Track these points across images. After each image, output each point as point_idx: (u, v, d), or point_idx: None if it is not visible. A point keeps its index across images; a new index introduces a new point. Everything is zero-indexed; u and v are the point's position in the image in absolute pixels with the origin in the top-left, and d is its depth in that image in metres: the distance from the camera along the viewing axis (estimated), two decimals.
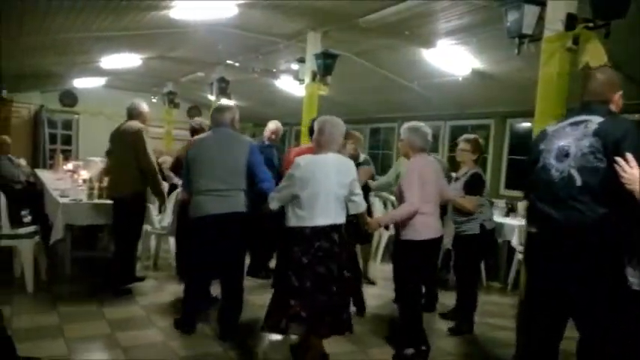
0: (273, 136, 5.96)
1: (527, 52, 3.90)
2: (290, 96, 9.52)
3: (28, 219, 5.84)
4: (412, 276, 3.83)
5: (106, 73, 10.79)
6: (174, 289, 5.03)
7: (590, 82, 2.68)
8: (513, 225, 5.95)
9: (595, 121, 2.47)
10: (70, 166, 8.64)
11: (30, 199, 6.75)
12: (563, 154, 2.50)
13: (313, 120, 4.37)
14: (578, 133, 2.49)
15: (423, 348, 3.81)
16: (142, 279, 5.33)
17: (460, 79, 7.02)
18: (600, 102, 2.58)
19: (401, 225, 3.77)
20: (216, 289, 4.41)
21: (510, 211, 6.55)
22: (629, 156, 2.27)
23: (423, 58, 6.69)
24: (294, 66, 7.21)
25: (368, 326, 4.49)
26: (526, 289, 2.89)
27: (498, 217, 6.25)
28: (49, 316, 4.25)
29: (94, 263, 6.17)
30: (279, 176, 4.36)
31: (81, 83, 12.28)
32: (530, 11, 3.77)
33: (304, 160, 3.39)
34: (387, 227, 5.58)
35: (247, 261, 4.87)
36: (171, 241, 5.87)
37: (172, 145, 11.65)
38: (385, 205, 6.99)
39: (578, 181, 2.42)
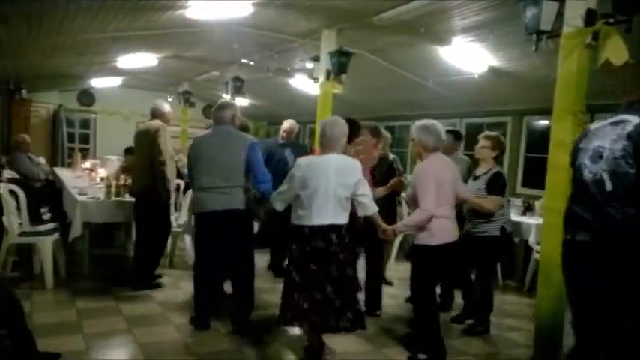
0: (285, 135, 5.95)
1: (545, 48, 3.85)
2: (304, 94, 9.52)
3: (47, 216, 5.93)
4: (428, 281, 3.75)
5: (123, 73, 10.88)
6: (190, 287, 5.05)
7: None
8: (530, 224, 5.88)
9: (633, 122, 2.29)
10: (87, 164, 8.74)
11: (49, 197, 6.85)
12: (597, 156, 2.36)
13: None
14: (614, 135, 2.33)
15: (438, 355, 3.71)
16: (159, 277, 5.36)
17: (476, 76, 6.96)
18: None
19: (416, 228, 3.69)
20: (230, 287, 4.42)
21: (527, 209, 6.46)
22: None
23: (439, 55, 6.64)
24: (309, 64, 7.20)
25: (384, 326, 4.48)
26: (568, 297, 2.77)
27: (515, 216, 6.20)
28: (67, 311, 4.31)
29: (111, 260, 6.25)
30: None
31: (98, 83, 12.41)
32: (549, 7, 3.71)
33: (305, 161, 3.47)
34: None
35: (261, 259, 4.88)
36: (187, 238, 5.91)
37: (188, 144, 11.73)
38: None
39: (608, 186, 2.29)
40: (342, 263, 3.39)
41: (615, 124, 2.38)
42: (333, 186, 3.36)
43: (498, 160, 4.55)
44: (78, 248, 5.81)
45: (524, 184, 8.23)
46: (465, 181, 4.48)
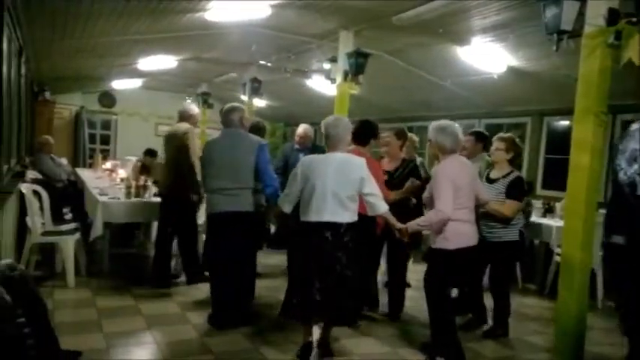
0: (299, 139, 5.88)
1: (566, 48, 3.80)
2: (321, 95, 9.53)
3: (69, 216, 6.02)
4: (443, 285, 3.68)
5: (143, 75, 11.02)
6: (208, 286, 5.09)
7: None
8: (551, 226, 5.79)
9: None
10: (108, 165, 8.85)
11: (71, 197, 6.95)
12: (633, 158, 2.31)
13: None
14: None
15: (456, 358, 3.66)
16: (176, 277, 5.41)
17: (495, 76, 6.91)
18: None
19: (433, 232, 3.63)
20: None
21: (548, 211, 6.37)
22: None
23: (457, 55, 6.60)
24: (326, 65, 7.21)
25: (402, 328, 4.45)
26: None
27: (536, 218, 6.13)
28: (88, 310, 4.38)
29: (131, 260, 6.33)
30: None
31: (119, 85, 12.59)
32: (570, 6, 3.66)
33: (307, 159, 3.59)
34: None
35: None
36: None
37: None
38: None
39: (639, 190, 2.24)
40: (336, 260, 3.43)
41: None
42: (331, 184, 3.41)
43: (515, 163, 4.39)
44: (98, 248, 5.90)
45: (545, 186, 8.14)
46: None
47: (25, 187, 4.99)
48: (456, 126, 3.70)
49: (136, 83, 12.38)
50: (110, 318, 4.22)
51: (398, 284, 4.70)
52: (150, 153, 7.89)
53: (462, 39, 6.07)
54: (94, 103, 13.75)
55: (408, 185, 4.40)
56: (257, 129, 5.12)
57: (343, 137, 3.59)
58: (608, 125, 5.53)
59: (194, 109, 5.46)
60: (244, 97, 9.92)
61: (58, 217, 5.38)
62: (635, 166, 2.28)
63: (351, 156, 3.61)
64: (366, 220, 3.75)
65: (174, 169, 5.03)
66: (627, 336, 2.50)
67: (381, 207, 3.57)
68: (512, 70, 6.71)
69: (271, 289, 5.20)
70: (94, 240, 5.39)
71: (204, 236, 5.90)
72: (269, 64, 8.83)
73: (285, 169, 5.23)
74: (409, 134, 5.17)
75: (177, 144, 5.02)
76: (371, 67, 6.47)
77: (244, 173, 4.06)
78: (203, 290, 5.08)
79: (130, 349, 3.71)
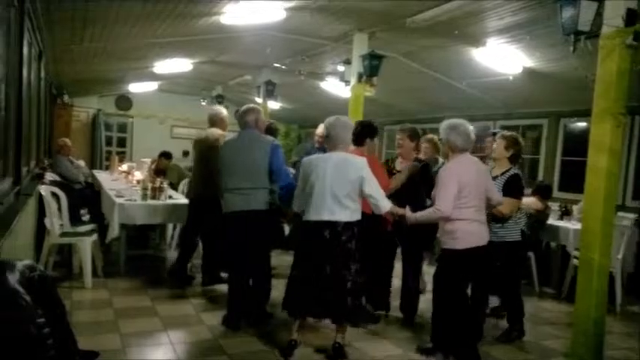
0: (320, 139, 5.90)
1: (583, 49, 3.76)
2: (336, 97, 9.53)
3: (86, 218, 6.08)
4: (450, 286, 3.65)
5: (159, 78, 11.12)
6: (223, 288, 5.12)
7: None
8: (568, 228, 5.74)
9: None
10: (124, 167, 8.94)
11: (88, 198, 7.02)
12: None
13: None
14: None
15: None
16: (192, 278, 5.45)
17: (511, 78, 6.86)
18: None
19: (442, 231, 3.62)
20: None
21: (565, 214, 6.30)
22: None
23: (472, 57, 6.57)
24: (340, 67, 7.22)
25: (416, 330, 4.43)
26: None
27: (553, 221, 6.07)
28: (105, 311, 4.42)
29: (146, 261, 6.38)
30: None
31: (135, 88, 12.73)
32: (587, 7, 3.63)
33: (307, 159, 3.67)
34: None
35: None
36: None
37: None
38: None
39: None
40: (332, 259, 3.48)
41: None
42: (329, 183, 3.47)
43: (517, 161, 4.33)
44: (114, 249, 5.96)
45: (562, 188, 8.05)
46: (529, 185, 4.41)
47: (43, 189, 5.06)
48: (469, 125, 3.66)
49: (151, 86, 12.51)
50: (127, 318, 4.26)
51: (410, 287, 4.67)
52: (165, 155, 7.97)
53: (477, 40, 6.05)
54: (110, 106, 13.92)
55: (409, 167, 4.39)
56: (270, 131, 5.15)
57: (342, 137, 3.63)
58: (626, 127, 5.47)
59: (224, 112, 5.43)
60: (259, 100, 9.96)
61: (75, 219, 5.44)
62: None
63: (351, 156, 3.65)
64: (370, 219, 3.79)
65: (205, 174, 5.03)
66: None
67: (383, 207, 3.60)
68: (528, 72, 6.66)
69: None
70: (111, 241, 5.46)
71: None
72: (283, 67, 8.87)
73: None
74: (431, 135, 5.13)
75: (207, 149, 5.03)
76: (385, 69, 6.47)
77: (259, 173, 4.10)
78: (218, 291, 5.11)
79: (146, 349, 3.74)
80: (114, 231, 5.25)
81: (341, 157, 3.57)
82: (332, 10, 5.58)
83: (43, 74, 6.43)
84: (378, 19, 5.82)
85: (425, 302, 4.96)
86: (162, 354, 3.69)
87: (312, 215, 3.53)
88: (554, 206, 6.49)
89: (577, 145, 7.58)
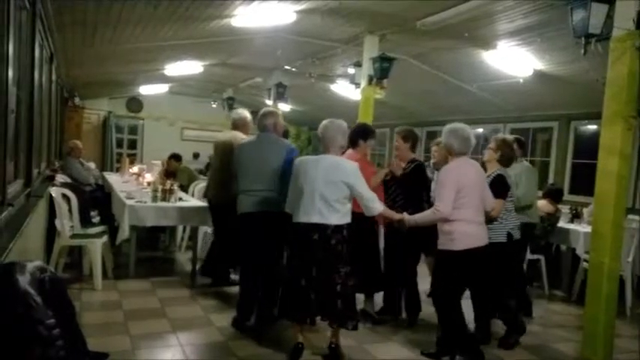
0: None
1: (594, 52, 3.74)
2: (346, 100, 9.54)
3: (96, 219, 6.13)
4: (447, 288, 3.62)
5: (170, 80, 11.18)
6: (232, 290, 5.14)
7: None
8: (578, 231, 5.69)
9: None
10: (135, 169, 9.00)
11: (99, 200, 7.08)
12: None
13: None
14: None
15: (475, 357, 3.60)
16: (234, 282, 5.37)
17: (521, 80, 6.83)
18: None
19: (439, 232, 3.61)
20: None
21: (575, 217, 6.26)
22: None
23: (483, 59, 6.55)
24: (351, 70, 7.22)
25: (425, 332, 4.41)
26: None
27: (563, 223, 6.04)
28: (114, 312, 4.45)
29: (156, 263, 6.41)
30: None
31: (146, 90, 12.81)
32: (598, 10, 3.62)
33: (298, 160, 3.67)
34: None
35: None
36: None
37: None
38: None
39: None
40: (320, 261, 3.48)
41: None
42: (319, 186, 3.47)
43: (508, 163, 4.28)
44: (124, 251, 5.99)
45: (572, 191, 8.00)
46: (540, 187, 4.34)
47: (54, 191, 5.10)
48: (469, 130, 3.66)
49: (162, 88, 12.58)
50: (136, 320, 4.28)
51: (407, 289, 4.64)
52: (175, 157, 8.01)
53: (487, 43, 6.03)
54: (121, 108, 14.02)
55: (388, 169, 4.41)
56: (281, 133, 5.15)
57: (335, 139, 3.64)
58: (637, 130, 5.42)
59: (248, 116, 5.34)
60: (269, 102, 9.99)
61: (86, 221, 5.49)
62: None
63: (343, 159, 3.66)
64: (361, 221, 3.81)
65: (225, 177, 4.97)
66: None
67: (375, 209, 3.61)
68: (538, 74, 6.63)
69: None
70: (121, 243, 5.49)
71: None
72: (294, 69, 8.89)
73: None
74: (440, 139, 5.07)
75: (230, 152, 4.91)
76: (395, 72, 6.46)
77: (272, 175, 4.09)
78: (227, 293, 5.13)
79: (155, 351, 3.76)
80: (124, 233, 5.29)
81: (333, 160, 3.57)
82: (342, 13, 5.59)
83: (54, 77, 6.49)
84: (388, 22, 5.82)
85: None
86: (172, 355, 3.71)
87: (302, 217, 3.53)
88: (565, 209, 6.45)
89: (588, 147, 7.54)
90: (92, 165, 8.58)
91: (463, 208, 3.49)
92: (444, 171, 3.63)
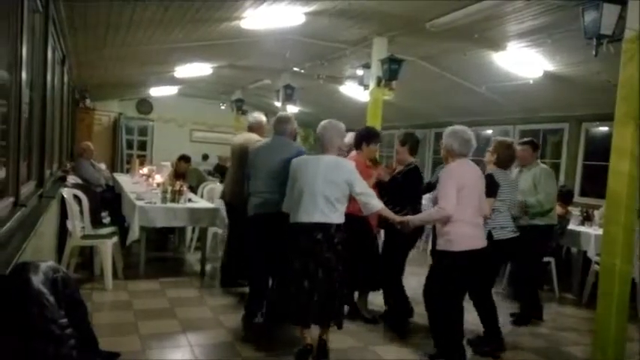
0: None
1: (606, 53, 3.72)
2: (354, 101, 9.54)
3: (107, 220, 6.17)
4: (443, 290, 3.58)
5: (179, 82, 11.25)
6: (240, 291, 5.15)
7: None
8: (589, 234, 5.65)
9: None
10: (145, 170, 9.05)
11: (109, 201, 7.12)
12: None
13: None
14: None
15: None
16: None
17: (531, 82, 6.80)
18: None
19: (437, 233, 3.60)
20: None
21: (586, 219, 6.22)
22: None
23: (493, 61, 6.53)
24: (359, 71, 7.22)
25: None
26: None
27: (573, 226, 6.00)
28: (125, 312, 4.48)
29: (166, 263, 6.45)
30: None
31: (156, 92, 12.89)
32: (610, 10, 3.59)
33: (296, 160, 3.69)
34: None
35: None
36: None
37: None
38: None
39: None
40: (325, 261, 3.50)
41: None
42: (319, 185, 3.50)
43: (506, 165, 4.30)
44: (134, 251, 6.03)
45: (582, 193, 7.95)
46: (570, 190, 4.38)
47: (66, 192, 5.15)
48: (469, 132, 3.67)
49: (172, 90, 12.65)
50: (146, 320, 4.31)
51: (394, 289, 4.59)
52: (184, 159, 8.05)
53: (497, 44, 6.00)
54: (131, 110, 14.11)
55: (376, 175, 4.42)
56: None
57: (332, 140, 3.68)
58: None
59: (263, 119, 5.39)
60: (278, 104, 10.01)
61: (96, 221, 5.53)
62: None
63: (340, 158, 3.71)
64: (356, 221, 3.84)
65: (240, 178, 4.99)
66: None
67: (375, 205, 3.63)
68: (548, 76, 6.60)
69: None
70: (131, 243, 5.53)
71: None
72: (302, 71, 8.90)
73: None
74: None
75: (246, 154, 4.91)
76: (404, 73, 6.45)
77: (278, 177, 4.09)
78: (235, 294, 5.14)
79: (165, 351, 3.78)
80: (134, 233, 5.33)
81: (331, 160, 3.62)
82: (351, 15, 5.59)
83: (66, 78, 6.55)
84: (397, 23, 5.81)
85: None
86: (181, 356, 3.73)
87: (303, 217, 3.54)
88: (576, 211, 6.41)
89: (599, 149, 7.49)
90: (103, 166, 8.64)
91: (462, 209, 3.48)
92: (445, 171, 3.64)
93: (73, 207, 5.06)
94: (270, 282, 4.30)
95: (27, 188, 3.14)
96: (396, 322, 4.47)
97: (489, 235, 4.01)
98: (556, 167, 8.45)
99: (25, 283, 2.00)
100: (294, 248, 3.58)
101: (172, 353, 3.78)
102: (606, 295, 3.68)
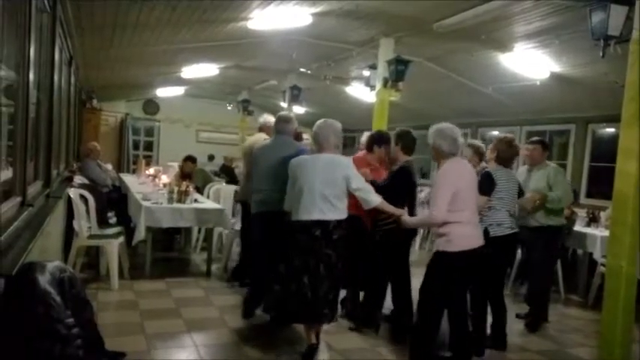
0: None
1: (613, 54, 3.70)
2: (361, 102, 9.53)
3: (113, 220, 6.19)
4: (439, 293, 3.51)
5: (186, 83, 11.27)
6: (245, 291, 5.15)
7: None
8: (595, 235, 5.62)
9: None
10: (151, 170, 9.08)
11: (115, 201, 7.15)
12: None
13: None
14: None
15: None
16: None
17: (538, 83, 6.78)
18: None
19: (436, 234, 3.56)
20: None
21: (592, 220, 6.18)
22: None
23: (499, 62, 6.51)
24: (366, 72, 7.22)
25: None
26: None
27: (579, 227, 5.97)
28: (130, 312, 4.49)
29: (172, 264, 6.46)
30: None
31: (162, 92, 12.93)
32: (617, 12, 3.58)
33: (295, 160, 3.75)
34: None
35: None
36: None
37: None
38: None
39: None
40: (324, 258, 3.54)
41: None
42: (318, 183, 3.55)
43: (506, 163, 4.22)
44: (140, 251, 6.05)
45: (589, 195, 7.91)
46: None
47: (72, 192, 5.17)
48: (456, 130, 3.57)
49: (178, 91, 12.69)
50: (152, 320, 4.32)
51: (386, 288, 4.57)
52: (190, 159, 8.06)
53: (504, 45, 5.99)
54: (138, 110, 14.17)
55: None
56: (295, 136, 5.17)
57: (327, 139, 3.73)
58: None
59: (272, 119, 5.28)
60: (284, 105, 10.01)
61: (103, 221, 5.54)
62: None
63: (337, 156, 3.75)
64: (350, 219, 3.81)
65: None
66: None
67: (373, 200, 3.67)
68: (555, 77, 6.57)
69: None
70: (137, 244, 5.54)
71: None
72: (309, 72, 8.90)
73: None
74: (471, 141, 4.93)
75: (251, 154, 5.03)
76: (411, 74, 6.44)
77: (279, 175, 4.14)
78: (241, 294, 5.14)
79: (171, 351, 3.79)
80: (140, 234, 5.34)
81: (328, 158, 3.67)
82: (358, 15, 5.59)
83: (73, 79, 6.58)
84: (404, 24, 5.80)
85: None
86: (187, 356, 3.73)
87: (303, 215, 3.59)
88: (582, 213, 6.38)
89: (605, 150, 7.46)
90: (109, 166, 8.66)
91: (460, 211, 3.41)
92: (439, 174, 3.53)
93: (79, 207, 5.08)
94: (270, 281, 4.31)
95: (34, 188, 3.16)
96: (398, 325, 4.41)
97: (486, 232, 3.94)
98: (562, 168, 8.41)
99: (31, 283, 2.01)
100: (294, 246, 3.64)
101: (178, 353, 3.79)
102: (612, 297, 3.66)
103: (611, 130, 7.59)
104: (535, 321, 4.78)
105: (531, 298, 4.94)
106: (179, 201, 5.77)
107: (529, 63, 6.33)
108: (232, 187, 7.20)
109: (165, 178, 7.73)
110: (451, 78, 7.66)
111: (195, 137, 14.53)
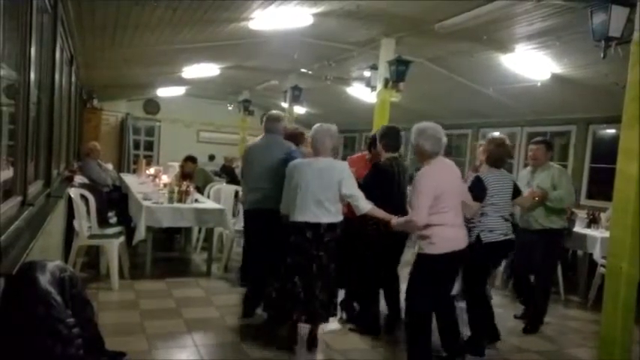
0: None
1: (614, 55, 3.70)
2: (362, 103, 9.53)
3: (113, 220, 6.19)
4: (423, 295, 3.46)
5: (187, 83, 11.27)
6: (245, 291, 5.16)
7: None
8: (595, 236, 5.62)
9: None
10: (151, 170, 9.08)
11: (116, 201, 7.15)
12: None
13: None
14: None
15: None
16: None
17: (539, 84, 6.77)
18: None
19: (418, 236, 3.47)
20: None
21: (592, 221, 6.18)
22: None
23: (500, 63, 6.51)
24: (367, 73, 7.22)
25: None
26: None
27: (579, 228, 5.97)
28: (131, 312, 4.49)
29: (172, 263, 6.46)
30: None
31: (163, 92, 12.93)
32: (618, 13, 3.57)
33: (292, 163, 3.84)
34: None
35: None
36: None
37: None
38: None
39: None
40: (315, 259, 3.64)
41: None
42: (312, 187, 3.64)
43: (497, 164, 4.12)
44: (140, 251, 6.05)
45: (589, 196, 7.91)
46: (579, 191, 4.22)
47: (73, 192, 5.17)
48: (439, 128, 3.49)
49: (179, 91, 12.69)
50: (152, 320, 4.32)
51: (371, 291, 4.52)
52: (191, 159, 8.07)
53: (505, 46, 5.99)
54: (139, 110, 14.17)
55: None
56: (294, 136, 5.17)
57: (323, 143, 3.79)
58: None
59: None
60: (285, 105, 10.01)
61: (103, 221, 5.54)
62: None
63: (333, 160, 3.83)
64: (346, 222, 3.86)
65: None
66: None
67: (363, 207, 3.73)
68: (556, 78, 6.57)
69: None
70: (138, 243, 5.54)
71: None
72: (310, 72, 8.90)
73: None
74: (482, 143, 4.87)
75: None
76: (412, 74, 6.44)
77: (274, 174, 4.23)
78: (241, 294, 5.14)
79: (171, 351, 3.79)
80: (140, 233, 5.34)
81: (324, 163, 3.74)
82: (359, 16, 5.59)
83: (73, 78, 6.58)
84: (405, 25, 5.80)
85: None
86: (187, 356, 3.73)
87: (297, 216, 3.69)
88: (582, 214, 6.38)
89: (606, 152, 7.45)
90: (110, 166, 8.67)
91: (443, 213, 3.35)
92: (420, 177, 3.41)
93: (80, 207, 5.08)
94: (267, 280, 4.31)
95: (34, 188, 3.16)
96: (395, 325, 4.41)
97: (478, 238, 3.94)
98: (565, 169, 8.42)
99: (32, 283, 2.01)
100: (289, 246, 3.73)
101: (178, 353, 3.79)
102: (612, 298, 3.65)
103: (611, 131, 7.59)
104: (534, 322, 4.78)
105: (530, 299, 4.94)
106: (179, 201, 5.77)
107: (530, 64, 6.33)
108: (233, 187, 7.20)
109: (165, 178, 7.73)
110: (452, 79, 7.66)
111: (195, 137, 14.53)
